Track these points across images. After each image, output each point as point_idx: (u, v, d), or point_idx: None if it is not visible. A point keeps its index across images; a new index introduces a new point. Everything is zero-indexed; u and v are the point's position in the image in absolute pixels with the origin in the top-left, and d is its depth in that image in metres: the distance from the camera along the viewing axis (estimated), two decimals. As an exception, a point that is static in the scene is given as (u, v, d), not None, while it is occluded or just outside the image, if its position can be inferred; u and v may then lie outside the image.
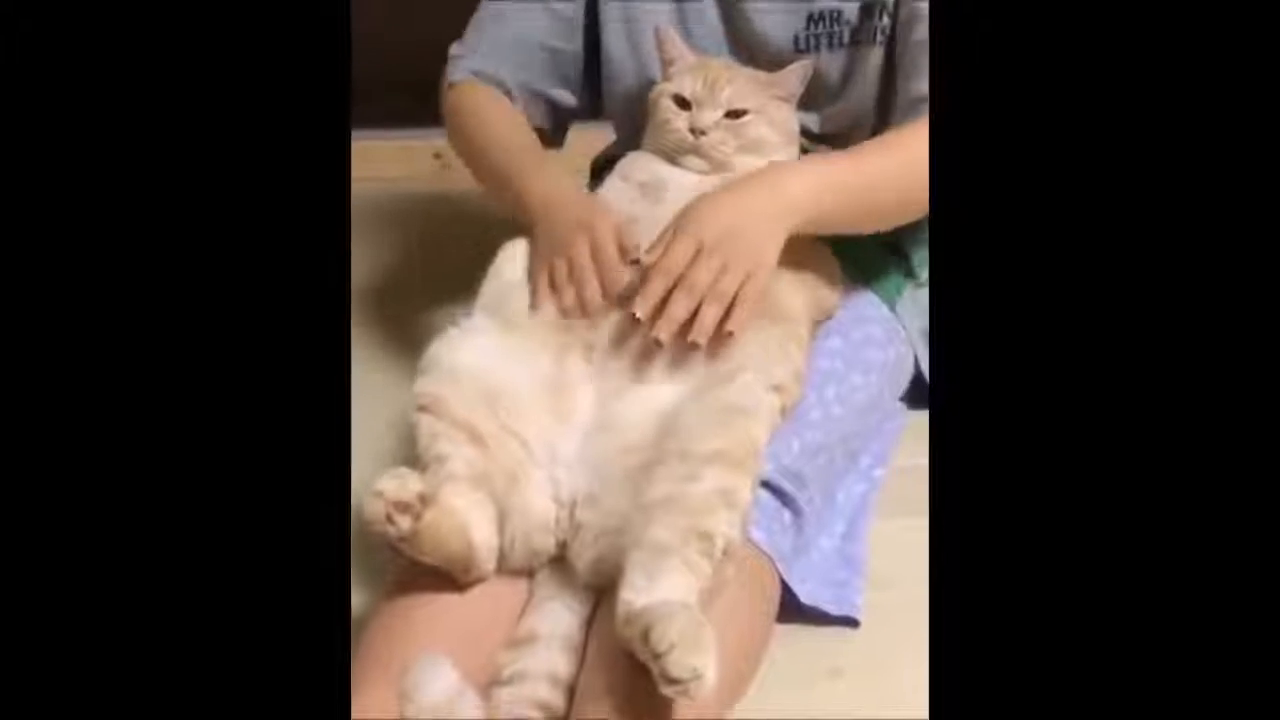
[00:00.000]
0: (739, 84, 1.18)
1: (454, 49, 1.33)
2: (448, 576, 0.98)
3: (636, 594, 0.89)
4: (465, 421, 1.01)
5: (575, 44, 1.33)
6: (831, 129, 1.27)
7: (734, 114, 1.17)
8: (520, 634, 0.98)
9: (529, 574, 1.02)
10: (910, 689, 0.93)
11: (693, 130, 1.17)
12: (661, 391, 1.03)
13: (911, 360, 1.27)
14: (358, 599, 1.05)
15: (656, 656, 0.83)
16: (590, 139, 1.44)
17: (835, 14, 1.22)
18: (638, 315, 1.04)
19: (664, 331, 1.03)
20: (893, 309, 1.26)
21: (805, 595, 1.06)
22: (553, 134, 1.37)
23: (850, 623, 1.08)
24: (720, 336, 1.04)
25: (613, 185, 1.21)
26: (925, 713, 0.74)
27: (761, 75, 1.20)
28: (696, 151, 1.17)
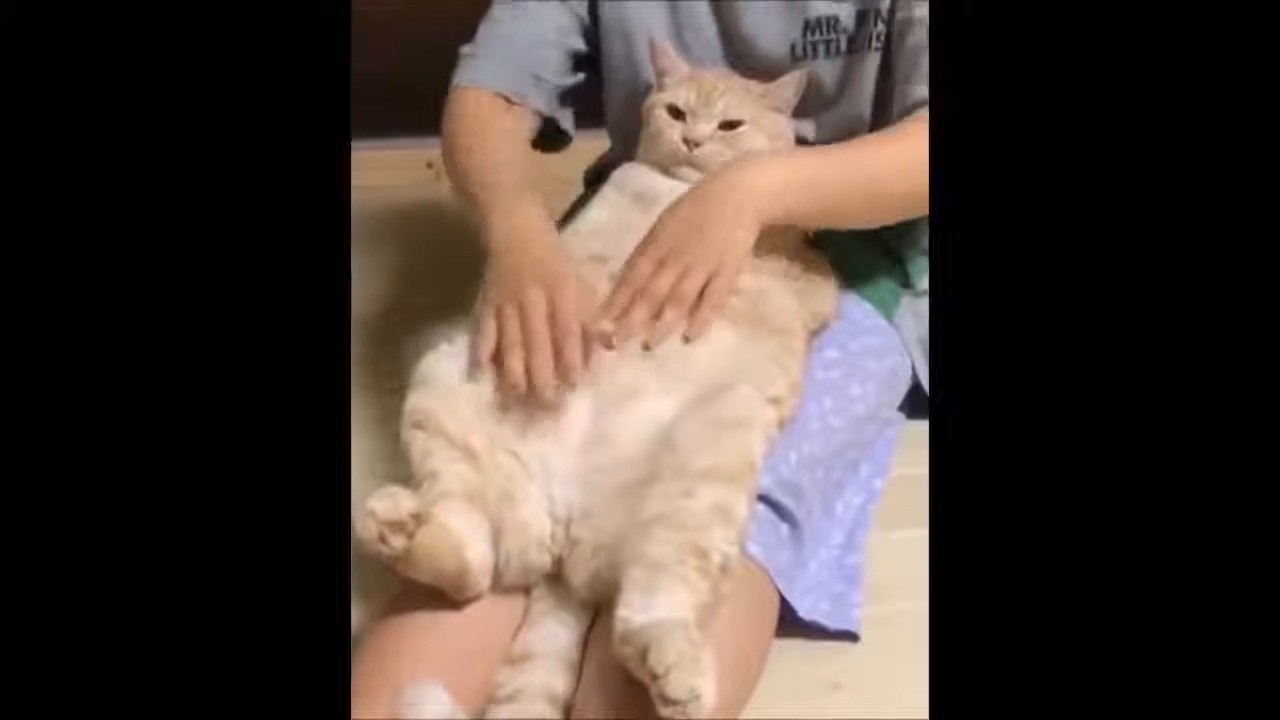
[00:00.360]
0: (733, 95, 1.17)
1: (464, 49, 1.32)
2: (443, 594, 0.97)
3: (634, 612, 0.88)
4: (459, 437, 1.00)
5: (584, 44, 1.32)
6: (828, 137, 1.26)
7: (728, 125, 1.17)
8: (516, 652, 0.98)
9: (525, 591, 1.01)
10: (910, 703, 0.92)
11: (687, 141, 1.16)
12: (657, 405, 1.02)
13: (909, 370, 1.27)
14: (356, 616, 1.04)
15: (655, 677, 0.83)
16: (586, 148, 1.43)
17: (832, 21, 1.22)
18: (604, 327, 1.03)
19: (619, 340, 1.03)
20: (890, 319, 1.26)
21: (804, 609, 1.05)
22: (564, 126, 1.35)
23: (849, 637, 1.07)
24: (696, 333, 1.04)
25: (606, 196, 1.21)
26: (926, 728, 0.74)
27: (756, 86, 1.20)
28: (691, 163, 1.17)
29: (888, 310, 1.26)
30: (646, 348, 1.03)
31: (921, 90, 1.16)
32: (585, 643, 0.98)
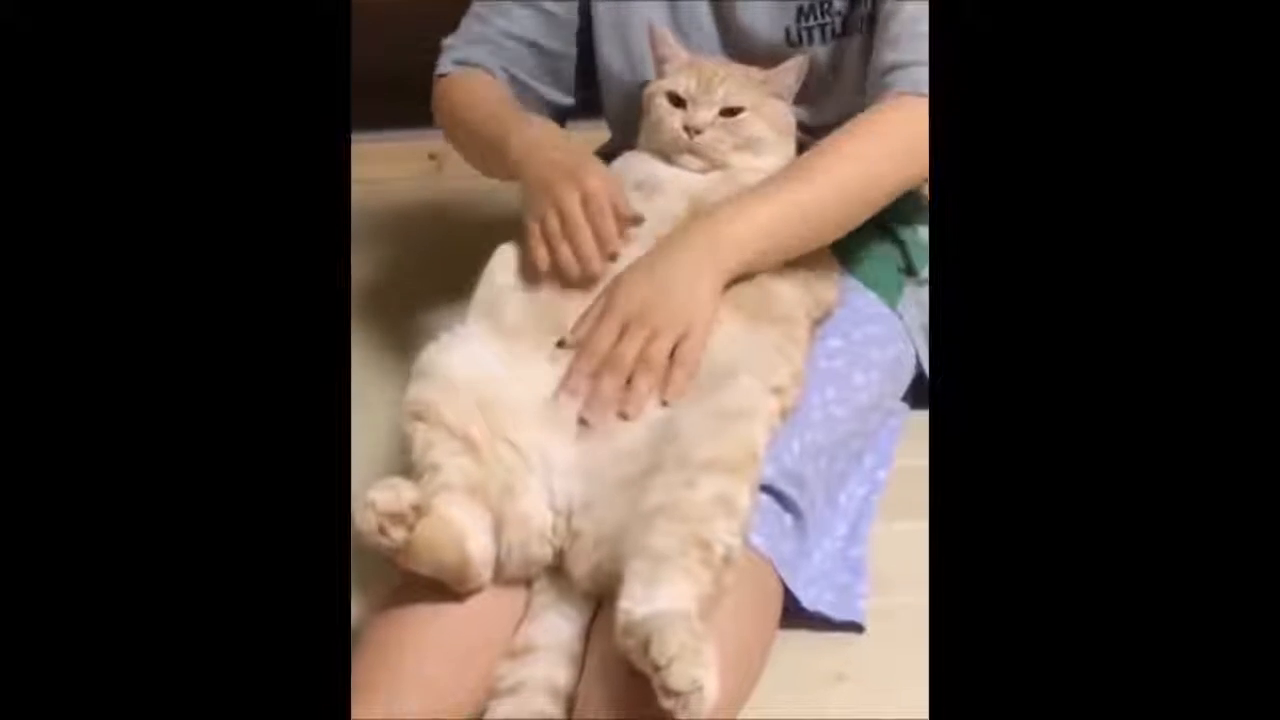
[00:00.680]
0: (734, 82, 1.17)
1: (446, 41, 1.34)
2: (444, 587, 0.97)
3: (636, 603, 0.87)
4: (459, 429, 1.00)
5: (568, 44, 1.32)
6: (824, 121, 1.25)
7: (729, 112, 1.16)
8: (518, 644, 0.97)
9: (526, 583, 1.01)
10: (915, 696, 0.92)
11: (688, 129, 1.16)
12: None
13: (913, 358, 1.26)
14: (356, 609, 1.04)
15: (657, 669, 0.82)
16: (587, 139, 1.42)
17: (825, 4, 1.21)
18: (571, 391, 1.02)
19: (593, 412, 1.01)
20: (893, 307, 1.25)
21: (808, 600, 1.05)
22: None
23: (854, 627, 1.07)
24: (674, 396, 1.02)
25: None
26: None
27: (756, 72, 1.19)
28: (692, 150, 1.16)
29: (891, 298, 1.25)
30: (625, 417, 1.01)
31: (891, 55, 1.14)
32: (587, 635, 0.98)
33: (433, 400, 1.01)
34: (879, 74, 1.16)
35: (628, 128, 1.26)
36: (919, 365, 1.27)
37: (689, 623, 0.85)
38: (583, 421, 1.02)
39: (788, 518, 1.06)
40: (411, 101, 1.45)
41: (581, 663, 0.96)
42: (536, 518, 0.99)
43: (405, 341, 1.28)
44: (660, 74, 1.22)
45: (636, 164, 1.20)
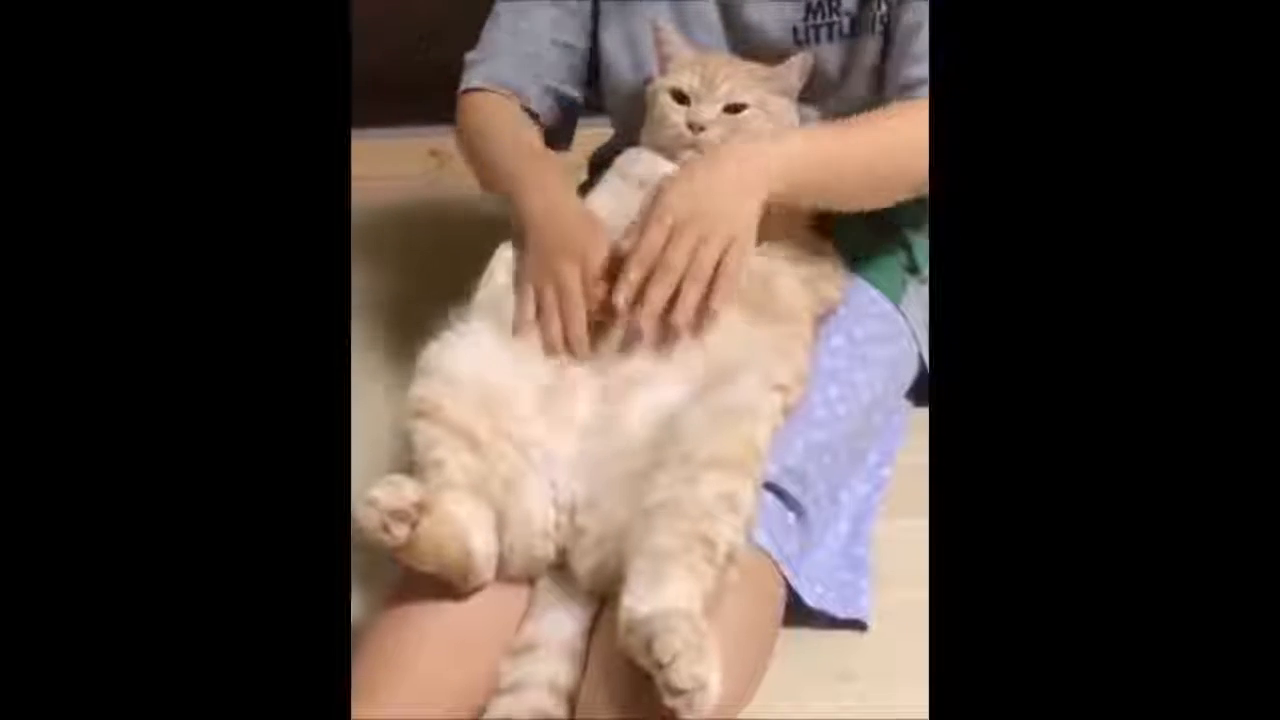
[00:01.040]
0: (737, 78, 1.16)
1: (468, 56, 1.33)
2: (447, 584, 0.97)
3: (639, 601, 0.87)
4: (462, 427, 0.99)
5: (582, 38, 1.32)
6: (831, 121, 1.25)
7: (733, 109, 1.16)
8: (520, 642, 0.97)
9: (529, 581, 1.00)
10: (919, 692, 0.91)
11: (691, 125, 1.15)
12: (662, 393, 1.02)
13: (916, 356, 1.26)
14: (357, 607, 1.04)
15: (660, 667, 0.82)
16: (590, 136, 1.42)
17: (834, 4, 1.21)
18: (619, 305, 1.03)
19: (645, 320, 1.02)
20: (897, 304, 1.25)
21: (811, 598, 1.04)
22: (563, 133, 1.36)
23: (858, 625, 1.06)
24: (707, 314, 1.03)
25: (611, 182, 1.20)
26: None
27: (760, 69, 1.19)
28: (695, 147, 1.16)
29: (895, 296, 1.25)
30: (676, 331, 1.03)
31: (917, 71, 1.15)
32: (590, 633, 0.97)
33: (436, 398, 1.01)
34: (903, 87, 1.16)
35: (631, 124, 1.26)
36: (922, 363, 1.27)
37: (692, 621, 0.85)
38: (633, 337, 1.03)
39: (791, 515, 1.05)
40: (413, 99, 1.44)
41: (584, 661, 0.96)
42: (539, 515, 0.99)
43: (406, 339, 1.28)
44: (663, 70, 1.21)
45: (640, 160, 1.19)
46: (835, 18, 1.21)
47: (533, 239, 1.11)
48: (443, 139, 1.34)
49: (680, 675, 0.82)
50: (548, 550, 0.99)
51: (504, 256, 1.13)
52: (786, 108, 1.19)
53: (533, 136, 1.27)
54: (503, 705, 0.94)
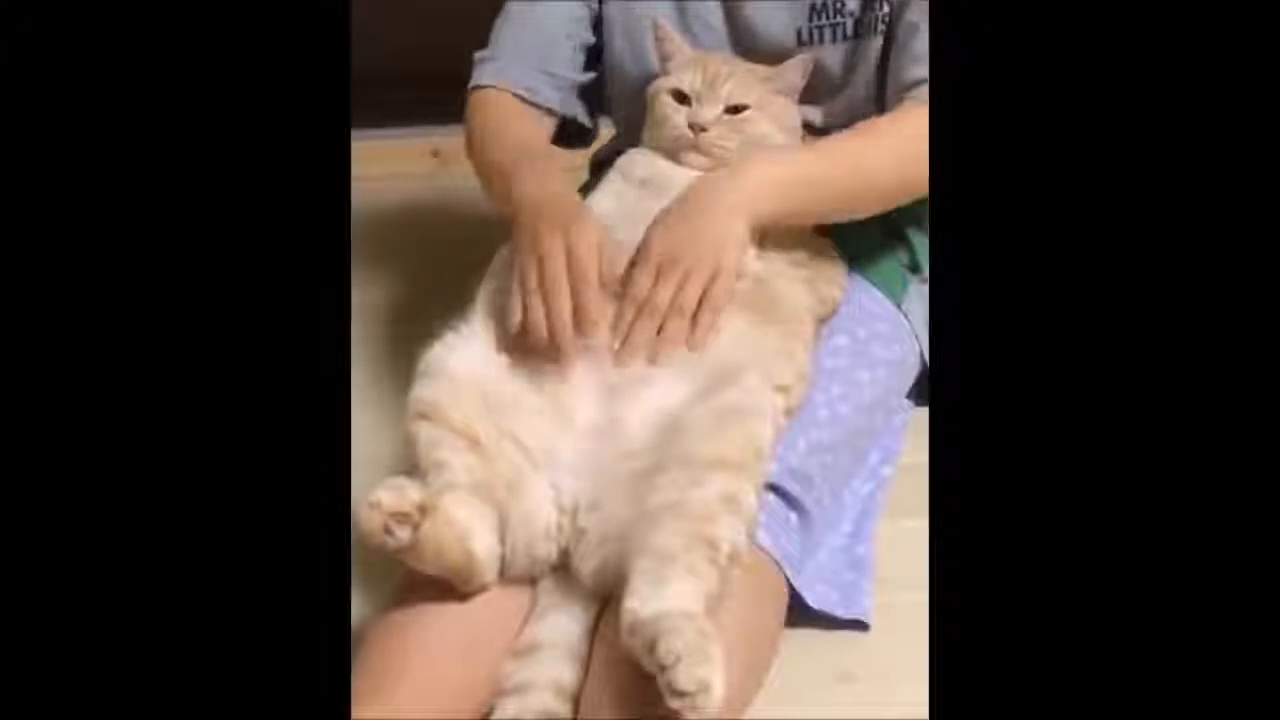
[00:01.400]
0: (739, 78, 1.16)
1: (478, 54, 1.32)
2: (449, 586, 0.96)
3: (642, 602, 0.87)
4: (464, 428, 0.99)
5: (594, 37, 1.32)
6: (834, 122, 1.25)
7: (734, 109, 1.16)
8: (524, 643, 0.97)
9: (532, 582, 1.00)
10: (921, 692, 0.91)
11: (692, 126, 1.15)
12: (664, 394, 1.02)
13: (918, 356, 1.26)
14: (358, 609, 1.04)
15: (663, 669, 0.82)
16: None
17: (838, 4, 1.21)
18: (613, 347, 1.03)
19: (628, 359, 1.03)
20: (898, 305, 1.25)
21: (813, 599, 1.04)
22: (587, 124, 1.35)
23: (860, 626, 1.06)
24: (699, 343, 1.04)
25: (612, 182, 1.20)
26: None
27: (761, 69, 1.19)
28: (696, 148, 1.16)
29: (896, 296, 1.25)
30: (652, 363, 1.03)
31: (917, 71, 1.15)
32: (593, 634, 0.97)
33: (438, 399, 1.01)
34: (903, 88, 1.16)
35: (634, 125, 1.26)
36: (923, 362, 1.27)
37: (695, 622, 0.85)
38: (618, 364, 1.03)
39: (793, 516, 1.05)
40: (415, 98, 1.44)
41: (587, 662, 0.96)
42: (542, 516, 0.99)
43: (407, 340, 1.28)
44: (665, 71, 1.21)
45: (641, 161, 1.19)
46: (839, 19, 1.21)
47: (520, 221, 1.10)
48: (444, 139, 1.34)
49: (684, 677, 0.82)
50: (550, 551, 0.99)
51: (507, 256, 1.13)
52: (788, 108, 1.19)
53: (537, 135, 1.26)
54: (507, 706, 0.94)
